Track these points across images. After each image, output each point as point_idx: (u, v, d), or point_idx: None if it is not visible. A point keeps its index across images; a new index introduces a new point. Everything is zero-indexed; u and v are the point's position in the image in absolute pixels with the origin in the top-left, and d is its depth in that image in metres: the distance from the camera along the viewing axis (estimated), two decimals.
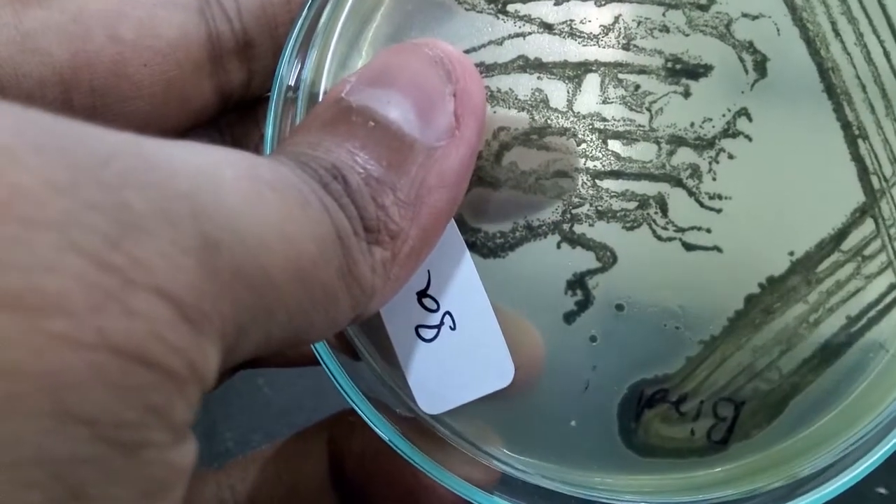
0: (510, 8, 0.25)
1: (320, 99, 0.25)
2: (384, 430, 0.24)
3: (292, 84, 0.25)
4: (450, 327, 0.23)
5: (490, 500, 0.24)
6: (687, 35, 0.25)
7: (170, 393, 0.14)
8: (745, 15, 0.25)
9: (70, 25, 0.23)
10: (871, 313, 0.24)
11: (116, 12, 0.24)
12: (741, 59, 0.24)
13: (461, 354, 0.23)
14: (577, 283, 0.24)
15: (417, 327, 0.23)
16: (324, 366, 0.24)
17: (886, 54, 0.25)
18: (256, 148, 0.27)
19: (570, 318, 0.24)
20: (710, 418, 0.24)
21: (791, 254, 0.24)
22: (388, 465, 0.24)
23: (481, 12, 0.25)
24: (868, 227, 0.24)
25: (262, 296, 0.16)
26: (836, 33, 0.25)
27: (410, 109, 0.21)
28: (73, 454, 0.13)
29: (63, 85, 0.23)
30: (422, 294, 0.23)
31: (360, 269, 0.19)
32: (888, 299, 0.24)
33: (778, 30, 0.25)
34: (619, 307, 0.24)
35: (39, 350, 0.13)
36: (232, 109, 0.26)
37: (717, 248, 0.24)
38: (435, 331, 0.23)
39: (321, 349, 0.24)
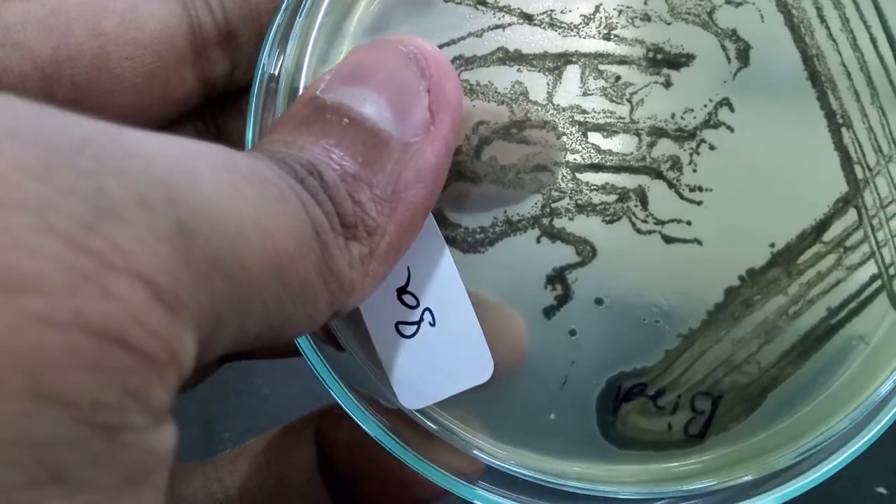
0: None
1: (301, 90, 0.25)
2: (367, 423, 0.24)
3: (274, 74, 0.25)
4: (429, 323, 0.23)
5: (472, 491, 0.24)
6: (669, 24, 0.24)
7: (148, 376, 0.15)
8: (728, 2, 0.24)
9: (50, 19, 0.23)
10: (852, 304, 0.24)
11: (97, 5, 0.24)
12: (724, 48, 0.24)
13: (441, 350, 0.23)
14: (557, 277, 0.24)
15: (397, 324, 0.23)
16: (306, 359, 0.24)
17: (873, 40, 0.24)
18: (241, 138, 0.27)
19: (549, 312, 0.24)
20: (688, 412, 0.24)
21: (772, 245, 0.24)
22: (376, 456, 0.25)
23: (460, 3, 0.25)
24: (850, 217, 0.24)
25: (238, 286, 0.16)
26: (822, 19, 0.24)
27: (385, 106, 0.21)
28: (52, 435, 0.13)
29: (44, 79, 0.23)
30: (401, 291, 0.23)
31: (337, 264, 0.19)
32: (869, 290, 0.24)
33: (762, 16, 0.24)
34: (599, 301, 0.24)
35: (16, 329, 0.13)
36: (216, 100, 0.26)
37: (697, 241, 0.24)
38: (415, 327, 0.23)
39: (303, 342, 0.24)
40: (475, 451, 0.25)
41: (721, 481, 0.24)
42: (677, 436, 0.24)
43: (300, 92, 0.25)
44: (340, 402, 0.24)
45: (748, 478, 0.24)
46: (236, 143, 0.27)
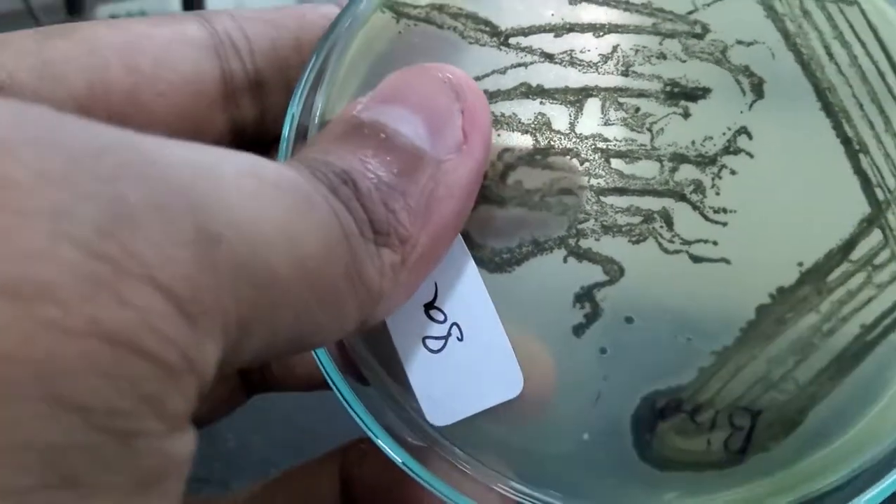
0: (512, 41, 0.26)
1: None
2: (398, 453, 0.23)
3: (303, 122, 0.26)
4: (457, 338, 0.23)
5: None
6: (684, 61, 0.25)
7: (164, 383, 0.14)
8: (739, 42, 0.25)
9: (88, 56, 0.25)
10: (887, 321, 0.23)
11: (133, 46, 0.25)
12: (738, 82, 0.25)
13: (469, 365, 0.23)
14: (585, 295, 0.24)
15: (425, 339, 0.23)
16: (336, 392, 0.24)
17: (881, 74, 0.25)
18: None
19: (578, 330, 0.24)
20: (727, 428, 0.23)
21: (800, 264, 0.24)
22: (400, 494, 0.24)
23: (484, 45, 0.26)
24: (876, 237, 0.24)
25: (266, 292, 0.16)
26: (831, 56, 0.25)
27: (420, 124, 0.21)
28: (65, 440, 0.13)
29: (80, 111, 0.24)
30: (429, 306, 0.23)
31: (367, 270, 0.19)
32: None
33: (773, 54, 0.25)
34: (629, 319, 0.24)
35: (31, 337, 0.13)
36: (245, 149, 0.27)
37: (725, 260, 0.24)
38: (442, 342, 0.23)
39: (333, 375, 0.24)
40: (504, 486, 0.24)
41: None
42: (717, 454, 0.23)
43: None
44: (372, 435, 0.23)
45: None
46: None
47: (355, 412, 0.23)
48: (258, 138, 0.27)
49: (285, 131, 0.26)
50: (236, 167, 0.17)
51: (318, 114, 0.26)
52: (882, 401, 0.23)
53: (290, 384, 0.29)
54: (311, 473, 0.26)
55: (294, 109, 0.26)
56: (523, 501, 0.23)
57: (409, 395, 0.24)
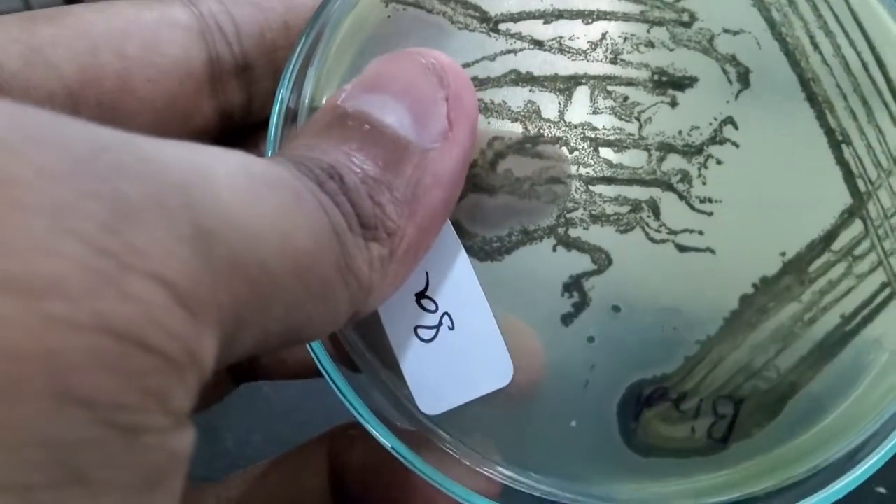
0: (502, 27, 0.26)
1: None
2: (388, 438, 0.24)
3: (292, 106, 0.26)
4: (448, 328, 0.23)
5: None
6: (672, 50, 0.25)
7: (168, 378, 0.14)
8: (726, 31, 0.26)
9: (77, 41, 0.24)
10: (865, 311, 0.24)
11: (121, 31, 0.25)
12: (724, 71, 0.25)
13: (460, 354, 0.23)
14: (574, 284, 0.24)
15: (416, 328, 0.23)
16: (327, 378, 0.24)
17: (864, 65, 0.25)
18: None
19: (567, 319, 0.24)
20: (710, 416, 0.24)
21: (783, 254, 0.24)
22: (389, 478, 0.24)
23: (474, 31, 0.26)
24: (857, 227, 0.24)
25: (259, 287, 0.16)
26: (815, 46, 0.25)
27: (405, 113, 0.21)
28: (73, 436, 0.13)
29: (71, 98, 0.24)
30: (420, 295, 0.23)
31: (356, 263, 0.19)
32: (881, 297, 0.24)
33: (759, 44, 0.25)
34: (616, 308, 0.24)
35: (38, 332, 0.13)
36: (233, 133, 0.27)
37: (710, 250, 0.24)
38: (434, 331, 0.23)
39: (325, 361, 0.24)
40: (494, 469, 0.24)
41: (746, 493, 0.23)
42: (701, 441, 0.23)
43: None
44: (362, 419, 0.24)
45: (774, 489, 0.23)
46: None
47: (346, 397, 0.24)
48: (245, 123, 0.27)
49: (273, 115, 0.25)
50: (228, 165, 0.17)
51: (307, 98, 0.26)
52: (859, 388, 0.24)
53: (279, 373, 0.29)
54: (299, 459, 0.26)
55: (282, 93, 0.26)
56: (510, 485, 0.24)
57: (399, 382, 0.24)
